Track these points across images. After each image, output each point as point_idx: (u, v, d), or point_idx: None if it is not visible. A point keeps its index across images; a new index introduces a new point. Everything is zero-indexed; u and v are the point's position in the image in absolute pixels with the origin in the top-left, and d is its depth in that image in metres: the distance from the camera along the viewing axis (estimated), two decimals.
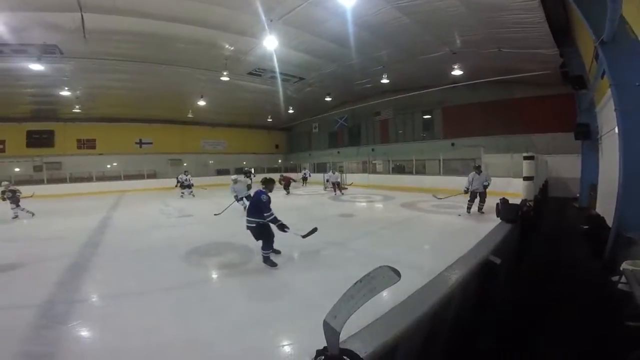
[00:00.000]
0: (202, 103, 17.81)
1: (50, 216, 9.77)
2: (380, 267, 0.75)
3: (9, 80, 13.52)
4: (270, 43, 9.92)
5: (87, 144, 21.15)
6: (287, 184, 14.60)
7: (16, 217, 9.24)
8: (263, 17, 9.24)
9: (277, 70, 14.26)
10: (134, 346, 2.61)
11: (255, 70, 14.78)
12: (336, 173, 15.35)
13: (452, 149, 16.02)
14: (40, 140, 19.83)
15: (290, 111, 21.94)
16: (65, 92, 15.28)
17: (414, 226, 7.20)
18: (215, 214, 8.64)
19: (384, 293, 0.90)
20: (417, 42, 11.04)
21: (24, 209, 9.40)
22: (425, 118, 18.73)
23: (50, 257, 5.20)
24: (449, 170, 14.11)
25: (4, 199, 9.27)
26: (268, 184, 4.60)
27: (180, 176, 14.55)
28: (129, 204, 12.58)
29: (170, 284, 3.97)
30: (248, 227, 4.46)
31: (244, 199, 8.88)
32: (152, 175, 20.95)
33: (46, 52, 11.07)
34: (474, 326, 2.55)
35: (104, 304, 3.58)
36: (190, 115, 21.28)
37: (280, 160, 28.05)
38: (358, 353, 0.89)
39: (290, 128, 28.90)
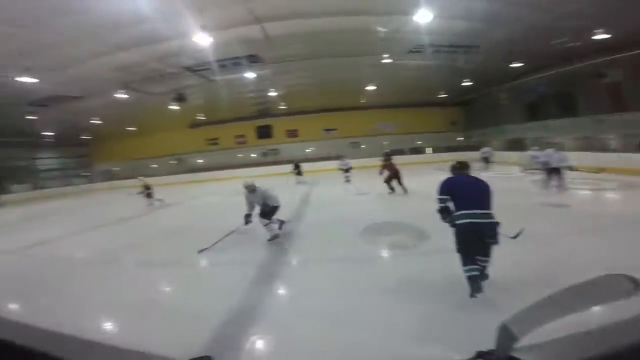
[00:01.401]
0: (371, 87, 18.65)
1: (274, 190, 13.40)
2: (609, 274, 0.58)
3: (238, 88, 18.49)
4: (423, 17, 9.18)
5: (292, 133, 26.72)
6: (391, 177, 9.86)
7: (151, 205, 11.67)
8: None
9: (438, 43, 13.01)
10: (311, 309, 3.07)
11: (416, 48, 13.92)
12: (561, 153, 8.49)
13: None
14: (264, 132, 26.74)
15: (466, 83, 19.28)
16: (272, 93, 19.75)
17: None
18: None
19: None
20: None
21: (158, 199, 11.87)
22: None
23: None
24: None
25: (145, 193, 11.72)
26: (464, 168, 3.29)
27: (340, 163, 15.02)
28: (321, 182, 15.10)
29: (342, 255, 4.59)
30: (486, 225, 2.84)
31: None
32: (338, 157, 24.20)
33: (252, 61, 14.26)
34: None
35: (299, 267, 4.63)
36: (363, 101, 22.83)
37: (460, 138, 25.44)
38: None
39: (469, 102, 25.24)
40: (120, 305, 3.50)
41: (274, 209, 5.63)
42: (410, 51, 14.42)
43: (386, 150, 17.32)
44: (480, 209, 2.85)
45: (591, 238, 4.46)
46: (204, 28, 9.53)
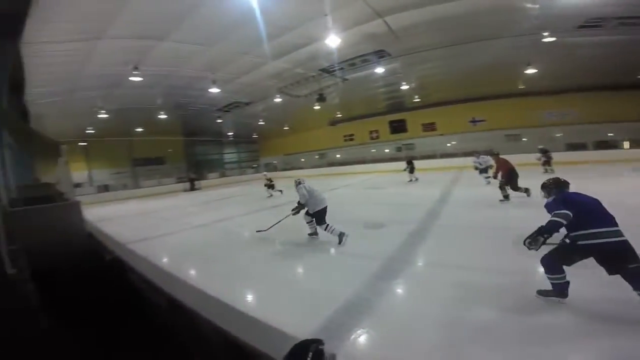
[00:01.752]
0: (531, 71, 14.85)
1: (411, 186, 12.94)
2: None
3: (370, 84, 18.66)
4: None
5: (429, 127, 24.65)
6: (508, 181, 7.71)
7: (271, 196, 13.22)
8: None
9: (623, 15, 9.58)
10: (425, 314, 2.83)
11: (590, 22, 10.58)
12: None
13: None
14: (397, 127, 25.88)
15: None
16: (404, 86, 18.83)
17: None
18: None
19: None
20: None
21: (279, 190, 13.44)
22: None
23: (406, 220, 6.51)
24: None
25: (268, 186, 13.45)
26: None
27: (474, 160, 12.14)
28: (466, 180, 13.31)
29: (492, 266, 3.77)
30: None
31: None
32: (488, 152, 20.80)
33: (380, 56, 14.01)
34: None
35: (424, 270, 4.11)
36: (521, 87, 18.40)
37: None
38: None
39: None
40: (264, 279, 4.18)
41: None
42: (582, 26, 10.88)
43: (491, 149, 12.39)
44: None
45: None
46: (332, 31, 10.06)
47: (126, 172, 26.80)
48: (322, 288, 3.68)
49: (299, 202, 5.68)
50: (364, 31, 11.55)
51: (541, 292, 2.90)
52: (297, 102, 20.74)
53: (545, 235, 2.70)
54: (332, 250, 5.16)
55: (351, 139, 28.85)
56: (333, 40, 10.41)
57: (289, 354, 1.21)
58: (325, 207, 5.55)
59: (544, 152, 13.37)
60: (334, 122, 28.64)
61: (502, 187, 7.72)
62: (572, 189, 3.12)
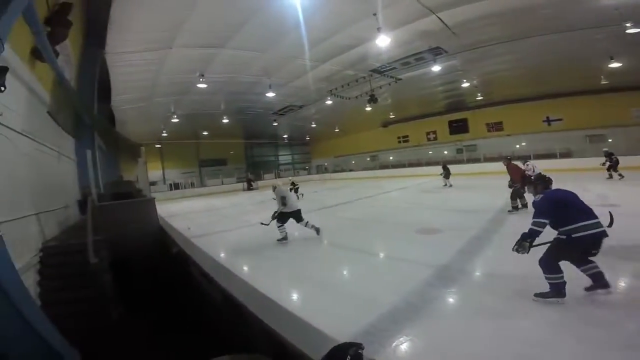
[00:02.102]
0: (615, 65, 12.76)
1: (472, 190, 12.05)
2: None
3: (425, 83, 17.86)
4: None
5: (495, 127, 22.59)
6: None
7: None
8: None
9: None
10: (477, 328, 2.61)
11: None
12: None
13: None
14: (458, 127, 24.31)
15: None
16: (465, 84, 17.58)
17: None
18: None
19: None
20: None
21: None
22: None
23: (464, 226, 6.13)
24: None
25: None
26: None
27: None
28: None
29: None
30: None
31: None
32: (566, 155, 18.45)
33: (436, 54, 13.35)
34: None
35: (481, 281, 3.76)
36: (604, 82, 15.76)
37: None
38: None
39: None
40: (307, 280, 4.27)
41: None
42: None
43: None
44: None
45: None
46: (380, 29, 9.82)
47: (194, 172, 29.56)
48: (369, 292, 3.60)
49: (282, 204, 6.02)
50: (417, 29, 11.15)
51: (538, 295, 2.91)
52: (348, 104, 20.70)
53: (529, 240, 2.92)
54: (382, 255, 5.07)
55: (406, 141, 27.86)
56: (383, 40, 10.14)
57: (327, 355, 1.21)
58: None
59: (609, 155, 11.57)
60: (387, 124, 27.96)
61: (513, 197, 7.11)
62: None
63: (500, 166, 8.64)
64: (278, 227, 6.13)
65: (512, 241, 3.00)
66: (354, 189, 17.11)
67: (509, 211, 7.04)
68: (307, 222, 6.19)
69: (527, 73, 16.33)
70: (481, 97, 20.03)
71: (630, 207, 6.26)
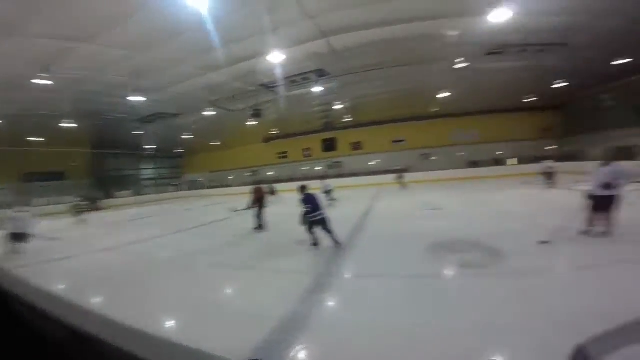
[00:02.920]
0: (444, 95, 17.72)
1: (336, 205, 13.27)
2: None
3: (306, 102, 19.34)
4: (501, 15, 8.41)
5: (356, 146, 26.67)
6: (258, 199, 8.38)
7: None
8: None
9: (522, 42, 12.07)
10: (362, 324, 2.94)
11: (495, 49, 12.93)
12: None
13: None
14: (328, 145, 27.29)
15: (559, 85, 16.61)
16: (338, 106, 20.11)
17: None
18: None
19: None
20: None
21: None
22: None
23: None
24: None
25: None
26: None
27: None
28: (387, 195, 14.71)
29: (408, 272, 4.26)
30: None
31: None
32: (405, 170, 23.37)
33: (320, 75, 14.80)
34: None
35: (353, 281, 4.37)
36: (435, 109, 21.69)
37: (550, 147, 21.99)
38: None
39: (564, 105, 21.88)
40: (188, 303, 3.88)
41: None
42: (488, 53, 13.41)
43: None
44: None
45: None
46: (275, 47, 10.32)
47: (12, 188, 21.81)
48: (251, 307, 3.59)
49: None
50: (308, 50, 12.07)
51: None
52: (230, 116, 20.20)
53: (305, 218, 5.60)
54: (258, 267, 5.16)
55: (284, 157, 29.13)
56: (277, 57, 10.68)
57: None
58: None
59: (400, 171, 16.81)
60: (269, 139, 28.60)
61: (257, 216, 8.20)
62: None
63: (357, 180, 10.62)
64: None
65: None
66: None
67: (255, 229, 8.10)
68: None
69: (386, 99, 20.08)
70: (348, 119, 23.38)
71: (450, 210, 9.06)
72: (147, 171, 32.69)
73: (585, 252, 4.41)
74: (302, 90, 16.83)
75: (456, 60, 12.75)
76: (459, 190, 14.25)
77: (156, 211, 17.63)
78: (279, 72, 13.25)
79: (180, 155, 34.01)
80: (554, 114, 22.93)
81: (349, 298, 3.66)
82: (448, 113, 22.94)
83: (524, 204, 9.45)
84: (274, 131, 26.66)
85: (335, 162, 27.22)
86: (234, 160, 30.68)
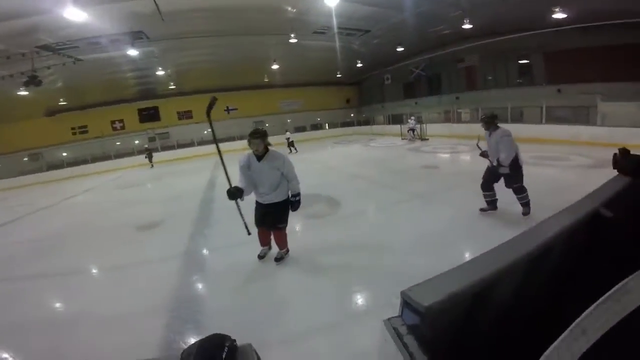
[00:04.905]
0: (275, 67, 18.61)
1: (171, 177, 12.64)
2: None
3: (115, 67, 16.10)
4: None
5: (185, 115, 24.21)
6: None
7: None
8: None
9: (340, 26, 14.11)
10: (225, 291, 3.20)
11: (320, 29, 14.71)
12: (412, 119, 15.88)
13: (558, 95, 13.59)
14: (149, 115, 23.50)
15: (359, 65, 21.09)
16: (159, 72, 17.64)
17: None
18: None
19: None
20: None
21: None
22: (521, 63, 15.92)
23: (179, 213, 6.36)
24: (554, 119, 11.94)
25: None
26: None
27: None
28: (227, 164, 14.31)
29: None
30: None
31: None
32: (241, 137, 23.48)
33: (135, 38, 12.63)
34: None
35: (226, 252, 4.19)
36: (266, 80, 22.43)
37: (352, 115, 27.89)
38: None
39: (361, 82, 27.83)
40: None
41: None
42: (315, 32, 14.88)
43: None
44: None
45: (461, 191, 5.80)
46: (77, 2, 7.69)
47: None
48: (125, 309, 3.05)
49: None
50: (126, 9, 9.88)
51: None
52: None
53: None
54: (119, 264, 4.33)
55: (84, 132, 22.81)
56: (75, 14, 7.98)
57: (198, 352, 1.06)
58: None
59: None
60: (54, 112, 21.30)
61: None
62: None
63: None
64: None
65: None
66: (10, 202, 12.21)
67: None
68: None
69: (216, 67, 19.06)
70: (173, 87, 20.77)
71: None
72: None
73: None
74: (107, 54, 13.47)
75: (291, 35, 13.38)
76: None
77: None
78: (73, 32, 9.94)
79: None
80: (353, 89, 28.81)
81: (226, 271, 3.66)
82: (277, 84, 24.23)
83: (339, 158, 12.23)
84: (63, 102, 20.12)
85: (160, 134, 23.82)
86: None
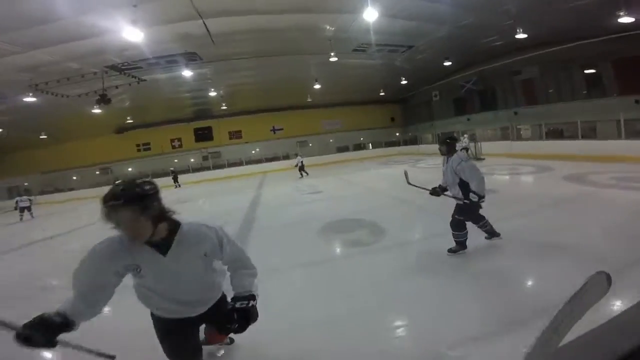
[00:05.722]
0: (317, 86, 18.80)
1: (219, 195, 13.17)
2: (596, 273, 0.55)
3: (173, 87, 17.28)
4: (370, 15, 9.61)
5: (235, 135, 25.62)
6: None
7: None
8: None
9: (381, 42, 13.86)
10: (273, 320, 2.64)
11: (360, 47, 14.60)
12: (465, 137, 14.46)
13: (636, 107, 11.72)
14: (203, 135, 25.20)
15: (403, 82, 20.50)
16: (212, 93, 18.79)
17: (589, 205, 5.26)
18: None
19: None
20: None
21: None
22: (587, 73, 14.18)
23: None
24: (634, 133, 10.20)
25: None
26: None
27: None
28: (270, 183, 14.80)
29: (306, 259, 4.30)
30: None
31: None
32: (286, 157, 24.14)
33: (189, 59, 13.45)
34: None
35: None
36: (309, 100, 22.93)
37: (397, 134, 27.09)
38: None
39: (406, 99, 26.87)
40: None
41: None
42: (355, 49, 14.90)
43: None
44: None
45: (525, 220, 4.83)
46: (135, 23, 8.57)
47: None
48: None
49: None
50: (177, 30, 10.65)
51: None
52: (65, 104, 15.80)
53: None
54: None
55: (147, 149, 25.13)
56: (133, 34, 8.83)
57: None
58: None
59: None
60: (123, 130, 23.90)
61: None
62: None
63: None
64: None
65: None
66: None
67: None
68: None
69: (262, 88, 19.77)
70: (225, 107, 22.01)
71: (329, 192, 10.11)
72: None
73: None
74: (166, 75, 14.73)
75: (331, 54, 13.37)
76: (332, 173, 15.51)
77: None
78: (135, 53, 11.13)
79: None
80: (398, 107, 28.01)
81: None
82: (319, 104, 24.60)
83: (384, 181, 11.41)
84: (130, 120, 22.44)
85: (213, 152, 25.40)
86: (74, 156, 24.26)
